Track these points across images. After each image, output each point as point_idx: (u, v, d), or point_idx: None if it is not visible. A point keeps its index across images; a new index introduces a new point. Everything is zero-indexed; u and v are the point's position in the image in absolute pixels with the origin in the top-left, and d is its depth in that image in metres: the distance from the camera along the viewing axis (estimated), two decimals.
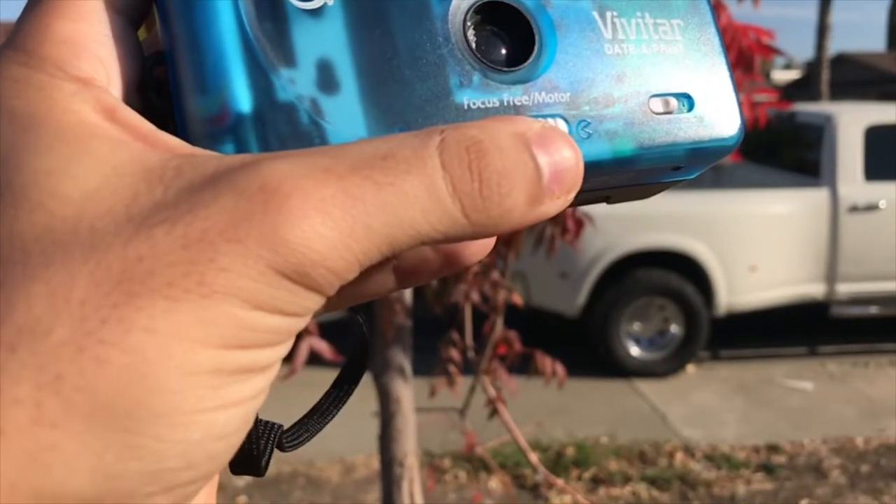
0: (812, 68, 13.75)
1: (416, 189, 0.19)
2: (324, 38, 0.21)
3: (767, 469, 3.37)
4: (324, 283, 0.19)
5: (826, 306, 4.55)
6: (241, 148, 0.20)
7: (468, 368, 2.04)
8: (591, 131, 0.24)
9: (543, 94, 0.24)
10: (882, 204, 4.37)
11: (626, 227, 4.09)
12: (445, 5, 0.23)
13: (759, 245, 4.30)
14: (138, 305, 0.17)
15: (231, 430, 0.19)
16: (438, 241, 0.20)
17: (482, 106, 0.23)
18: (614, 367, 4.26)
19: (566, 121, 0.24)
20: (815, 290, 4.46)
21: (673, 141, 0.25)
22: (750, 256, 4.29)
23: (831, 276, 4.44)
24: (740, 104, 0.27)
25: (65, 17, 0.21)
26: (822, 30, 12.31)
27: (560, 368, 2.07)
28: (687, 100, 0.26)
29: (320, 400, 0.27)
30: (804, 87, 13.69)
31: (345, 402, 0.27)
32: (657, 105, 0.25)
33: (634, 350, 4.31)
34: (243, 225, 0.18)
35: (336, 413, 0.27)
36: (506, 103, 0.23)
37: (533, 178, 0.20)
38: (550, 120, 0.23)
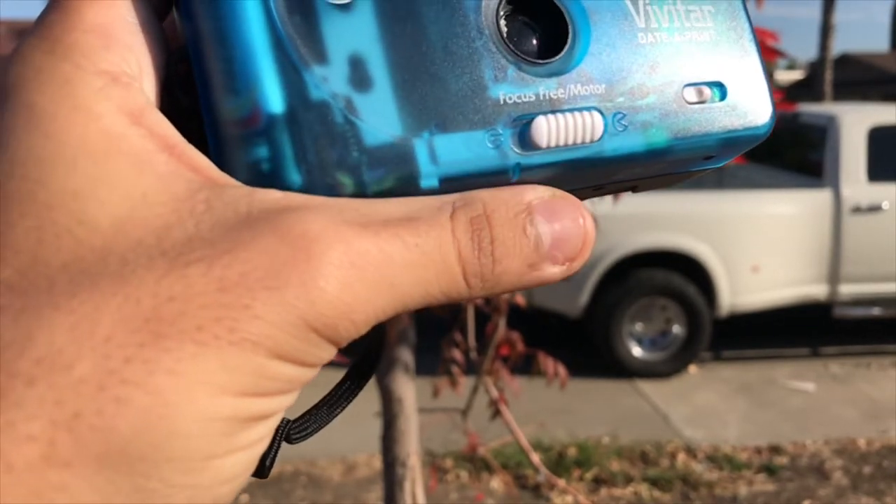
0: (815, 68, 13.73)
1: (435, 253, 0.20)
2: (355, 33, 0.21)
3: (769, 470, 3.37)
4: (344, 336, 0.19)
5: (829, 307, 4.54)
6: (274, 150, 0.20)
7: (471, 369, 2.04)
8: (626, 123, 0.24)
9: (579, 86, 0.23)
10: (885, 205, 4.36)
11: (629, 227, 4.09)
12: None
13: (761, 246, 4.29)
14: (165, 346, 0.17)
15: (237, 474, 0.19)
16: (440, 301, 0.20)
17: (518, 100, 0.22)
18: (616, 368, 4.25)
19: (602, 113, 0.23)
20: (818, 291, 4.46)
21: (706, 131, 0.25)
22: (752, 257, 4.28)
23: (834, 277, 4.43)
24: (771, 91, 0.27)
25: (93, 3, 0.20)
26: (826, 30, 12.29)
27: (562, 369, 2.07)
28: (719, 88, 0.25)
29: (331, 392, 0.27)
30: (807, 88, 13.66)
31: (355, 395, 0.27)
32: (691, 95, 0.25)
33: (636, 350, 4.31)
34: (284, 271, 0.18)
35: (346, 406, 0.27)
36: (542, 97, 0.23)
37: (530, 246, 0.21)
38: (586, 113, 0.23)
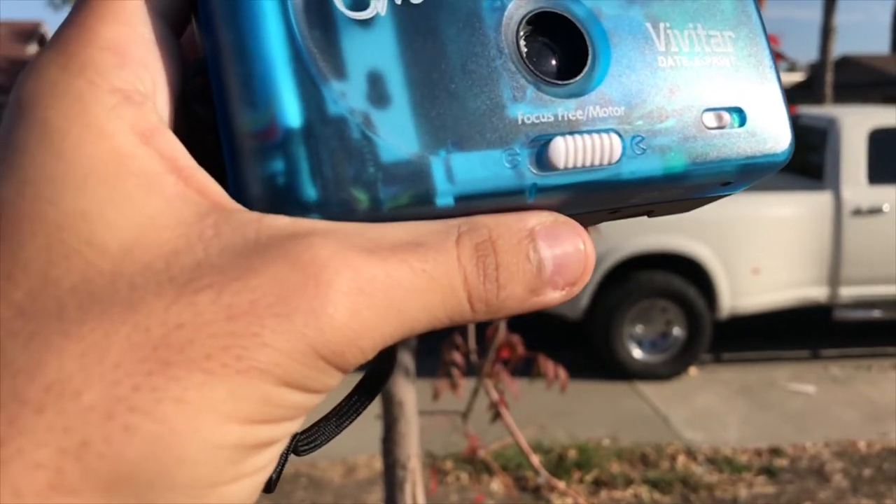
0: (816, 71, 13.72)
1: (441, 278, 0.20)
2: (374, 49, 0.21)
3: (769, 472, 3.37)
4: (352, 363, 0.19)
5: (829, 309, 4.54)
6: (290, 164, 0.20)
7: (471, 371, 2.04)
8: (644, 147, 0.24)
9: (597, 108, 0.23)
10: (886, 207, 4.36)
11: (629, 229, 4.08)
12: (498, 16, 0.22)
13: (762, 248, 4.29)
14: (173, 375, 0.17)
15: (243, 500, 0.19)
16: (445, 325, 0.21)
17: (536, 121, 0.22)
18: (617, 370, 4.25)
19: (620, 136, 0.23)
20: (818, 293, 4.45)
21: (725, 156, 0.25)
22: (753, 259, 4.28)
23: (834, 279, 4.43)
24: (791, 118, 0.27)
25: (110, 19, 0.20)
26: (827, 32, 12.29)
27: (562, 372, 2.07)
28: (739, 114, 0.25)
29: (339, 405, 0.27)
30: (808, 90, 13.66)
31: (364, 408, 0.27)
32: (710, 119, 0.25)
33: (637, 352, 4.31)
34: (293, 298, 0.18)
35: (354, 419, 0.27)
36: (560, 118, 0.23)
37: (532, 271, 0.21)
38: (605, 135, 0.23)
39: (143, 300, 0.18)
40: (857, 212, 4.37)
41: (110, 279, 0.18)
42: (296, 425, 0.19)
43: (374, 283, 0.19)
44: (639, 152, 0.24)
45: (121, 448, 0.16)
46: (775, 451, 3.54)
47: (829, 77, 12.19)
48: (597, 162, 0.23)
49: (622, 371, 4.26)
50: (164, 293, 0.18)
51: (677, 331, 4.32)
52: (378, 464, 2.47)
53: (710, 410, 3.97)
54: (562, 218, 0.23)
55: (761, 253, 4.28)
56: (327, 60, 0.20)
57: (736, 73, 0.26)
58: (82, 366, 0.17)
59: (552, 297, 0.22)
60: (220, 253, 0.18)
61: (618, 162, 0.23)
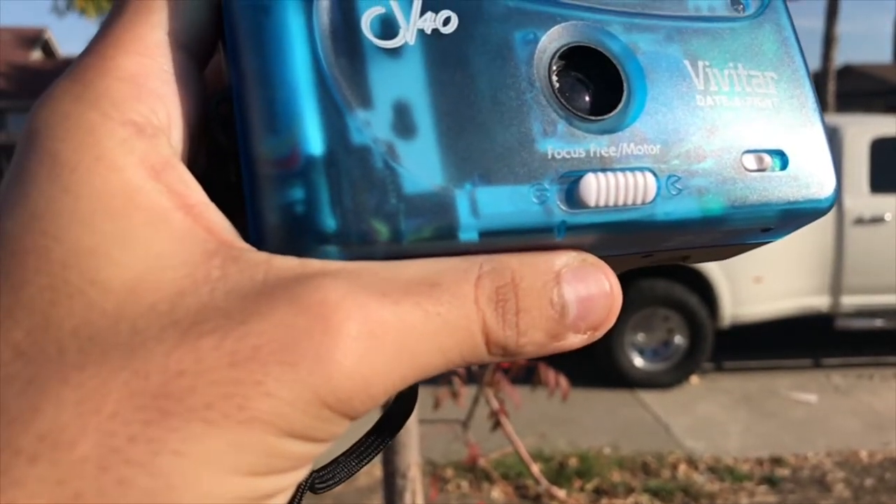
0: (818, 79, 13.74)
1: (456, 321, 0.19)
2: (402, 79, 0.20)
3: (771, 482, 3.36)
4: (360, 410, 0.18)
5: (831, 318, 4.53)
6: (310, 193, 0.19)
7: (472, 380, 2.04)
8: (680, 187, 0.23)
9: (632, 145, 0.22)
10: (888, 216, 4.36)
11: None
12: (530, 49, 0.22)
13: (763, 256, 4.28)
14: (172, 426, 0.16)
15: None
16: (459, 366, 0.20)
17: (567, 156, 0.22)
18: (618, 378, 4.25)
19: (655, 175, 0.22)
20: (820, 302, 4.45)
21: (765, 201, 0.24)
22: (755, 268, 4.28)
23: (836, 288, 4.43)
24: (835, 164, 0.25)
25: (130, 50, 0.20)
26: (829, 41, 12.31)
27: (563, 380, 2.07)
28: (780, 157, 0.24)
29: (358, 442, 0.26)
30: None
31: (385, 445, 0.26)
32: (750, 162, 0.24)
33: (638, 361, 4.30)
34: (300, 344, 0.17)
35: (374, 456, 0.26)
36: (592, 154, 0.22)
37: (554, 317, 0.21)
38: (639, 173, 0.22)
39: (144, 345, 0.17)
40: (859, 221, 4.36)
41: (113, 321, 0.17)
42: (301, 474, 0.19)
43: (385, 326, 0.18)
44: (674, 192, 0.23)
45: (114, 502, 0.16)
46: (777, 461, 3.52)
47: (832, 86, 12.19)
48: (630, 201, 0.22)
49: (623, 379, 4.26)
50: (167, 338, 0.17)
51: (679, 339, 4.31)
52: (378, 472, 2.46)
53: (712, 419, 3.96)
54: (590, 258, 0.22)
55: (763, 262, 4.28)
56: (353, 89, 0.20)
57: (777, 114, 0.25)
58: (78, 414, 0.16)
59: (573, 341, 0.21)
60: (227, 295, 0.18)
61: (652, 202, 0.22)
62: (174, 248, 0.18)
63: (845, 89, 13.94)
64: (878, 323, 4.57)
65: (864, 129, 4.47)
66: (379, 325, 0.18)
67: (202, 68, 0.22)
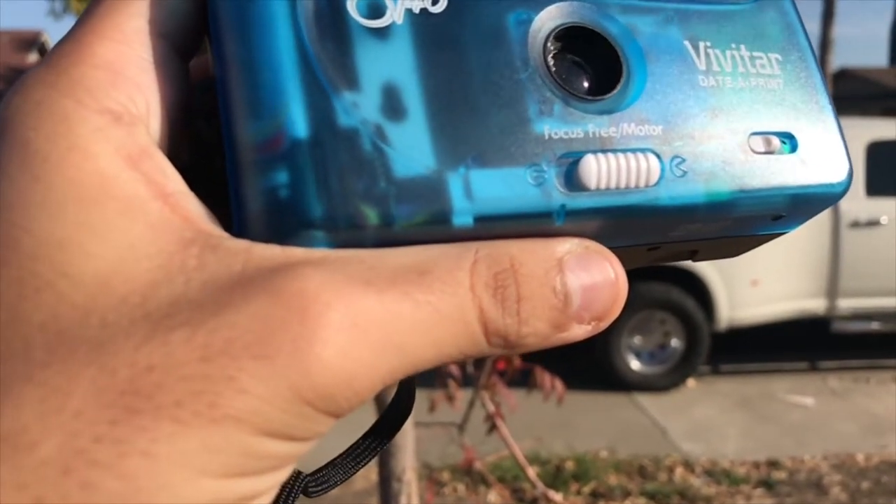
0: None
1: (449, 310, 0.18)
2: (390, 60, 0.20)
3: (768, 485, 3.36)
4: (344, 407, 0.17)
5: (827, 321, 4.54)
6: (294, 177, 0.18)
7: (467, 383, 2.03)
8: (685, 169, 0.22)
9: (632, 125, 0.21)
10: (884, 220, 4.37)
11: None
12: (524, 28, 0.21)
13: (760, 260, 4.29)
14: (140, 424, 0.15)
15: None
16: (456, 359, 0.19)
17: (564, 137, 0.21)
18: (615, 381, 4.25)
19: (658, 156, 0.21)
20: (817, 305, 4.45)
21: (775, 185, 0.23)
22: (751, 271, 4.28)
23: (832, 291, 4.43)
24: (847, 148, 0.24)
25: (107, 37, 0.19)
26: (825, 44, 12.34)
27: (559, 384, 2.07)
28: (789, 139, 0.23)
29: (354, 444, 0.25)
30: None
31: (382, 447, 0.25)
32: (758, 144, 0.23)
33: (635, 364, 4.30)
34: (276, 337, 0.16)
35: (371, 459, 0.25)
36: (591, 134, 0.21)
37: (557, 306, 0.19)
38: (641, 154, 0.21)
39: (113, 339, 0.16)
40: (856, 224, 4.37)
41: (83, 314, 0.17)
42: (283, 474, 0.18)
43: (369, 316, 0.17)
44: (679, 175, 0.21)
45: None
46: (774, 464, 3.52)
47: (828, 89, 12.21)
48: (633, 184, 0.21)
49: (620, 382, 4.26)
50: (136, 331, 0.16)
51: (676, 342, 4.31)
52: (374, 475, 2.46)
53: (709, 422, 3.96)
54: (594, 245, 0.21)
55: (760, 265, 4.28)
56: (339, 70, 0.19)
57: (784, 96, 0.24)
58: (41, 414, 0.15)
59: (577, 332, 0.20)
60: (202, 286, 0.17)
61: (656, 185, 0.21)
62: (149, 237, 0.17)
63: (841, 93, 13.97)
64: (875, 326, 4.58)
65: (860, 133, 4.48)
66: (362, 315, 0.17)
67: (186, 59, 0.21)
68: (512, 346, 0.19)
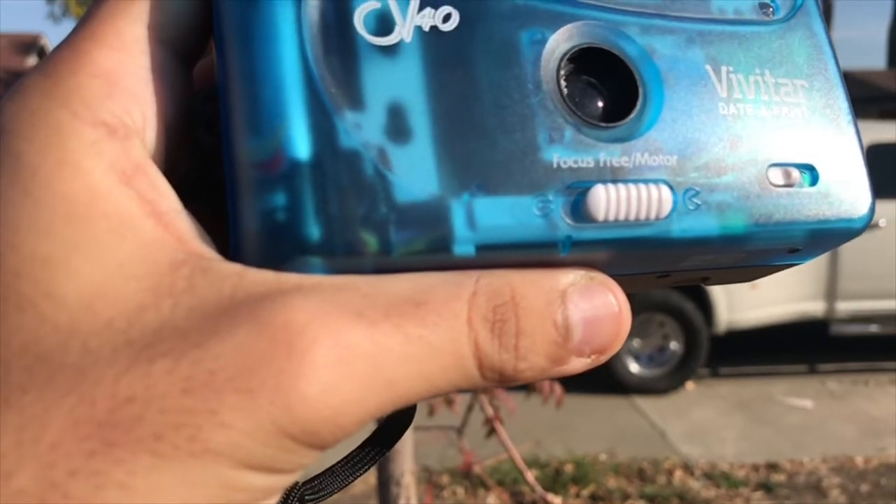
0: None
1: (442, 344, 0.18)
2: (397, 79, 0.19)
3: (766, 488, 3.36)
4: (329, 440, 0.17)
5: (826, 324, 4.54)
6: (293, 199, 0.18)
7: None
8: (699, 202, 0.21)
9: (646, 155, 0.21)
10: (882, 222, 4.37)
11: None
12: (537, 49, 0.20)
13: None
14: (117, 457, 0.15)
15: None
16: (449, 392, 0.18)
17: (574, 165, 0.20)
18: (613, 384, 4.24)
19: (671, 188, 0.21)
20: (815, 308, 4.46)
21: (792, 219, 0.22)
22: None
23: (831, 294, 4.43)
24: (871, 180, 0.24)
25: (105, 45, 0.18)
26: None
27: (558, 387, 2.07)
28: (810, 172, 0.23)
29: (351, 454, 0.25)
30: None
31: (380, 457, 0.25)
32: (777, 176, 0.22)
33: (634, 367, 4.30)
34: (260, 370, 0.16)
35: (368, 468, 0.25)
36: (602, 164, 0.20)
37: (557, 340, 0.19)
38: (653, 186, 0.20)
39: (94, 366, 0.16)
40: None
41: (65, 338, 0.16)
42: (270, 502, 0.17)
43: (358, 351, 0.16)
44: (692, 208, 0.21)
45: None
46: (772, 467, 3.52)
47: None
48: (643, 216, 0.20)
49: (619, 385, 4.26)
50: (118, 360, 0.16)
51: (674, 345, 4.32)
52: (373, 478, 2.46)
53: (708, 425, 3.96)
54: (598, 276, 0.20)
55: None
56: (343, 88, 0.18)
57: (808, 126, 0.23)
58: (17, 443, 0.15)
59: (576, 365, 0.19)
60: (189, 312, 0.16)
61: (667, 217, 0.20)
62: (140, 256, 0.17)
63: None
64: (873, 328, 4.58)
65: None
66: (350, 350, 0.16)
67: (189, 66, 0.20)
68: (508, 380, 0.19)
